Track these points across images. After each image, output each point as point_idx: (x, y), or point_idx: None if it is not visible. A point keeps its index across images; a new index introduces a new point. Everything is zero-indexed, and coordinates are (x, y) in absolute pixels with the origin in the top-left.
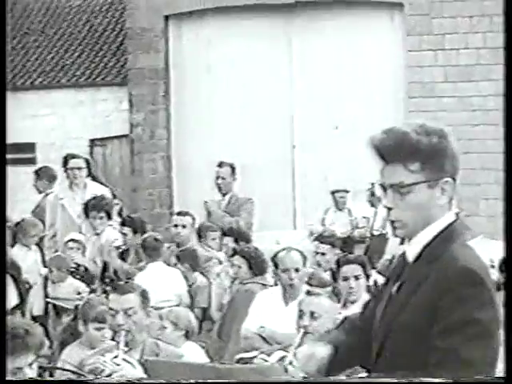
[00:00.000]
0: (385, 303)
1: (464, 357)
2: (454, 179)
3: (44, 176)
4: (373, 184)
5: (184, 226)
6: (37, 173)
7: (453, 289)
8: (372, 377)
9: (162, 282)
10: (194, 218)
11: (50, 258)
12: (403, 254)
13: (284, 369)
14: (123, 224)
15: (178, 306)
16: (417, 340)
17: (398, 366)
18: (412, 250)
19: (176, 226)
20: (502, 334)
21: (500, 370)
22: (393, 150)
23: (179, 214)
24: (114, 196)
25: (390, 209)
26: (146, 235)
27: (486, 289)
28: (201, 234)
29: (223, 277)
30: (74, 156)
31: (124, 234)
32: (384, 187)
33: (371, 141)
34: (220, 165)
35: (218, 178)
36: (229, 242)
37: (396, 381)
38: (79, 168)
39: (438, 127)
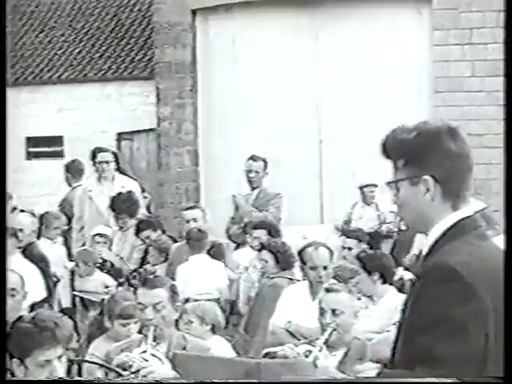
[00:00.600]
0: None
1: (437, 355)
2: (435, 178)
3: (72, 169)
4: None
5: (195, 220)
6: (66, 166)
7: (428, 285)
8: (382, 373)
9: (203, 274)
10: (203, 210)
11: (77, 252)
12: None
13: (313, 364)
14: (138, 230)
15: (218, 299)
16: (405, 338)
17: (399, 364)
18: (426, 247)
19: (188, 221)
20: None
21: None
22: (386, 149)
23: (187, 208)
24: (143, 190)
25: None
26: (191, 227)
27: (463, 285)
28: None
29: (251, 271)
30: (101, 150)
31: (146, 238)
32: None
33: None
34: (253, 158)
35: (250, 171)
36: (261, 235)
37: (395, 381)
38: (107, 162)
39: (427, 123)
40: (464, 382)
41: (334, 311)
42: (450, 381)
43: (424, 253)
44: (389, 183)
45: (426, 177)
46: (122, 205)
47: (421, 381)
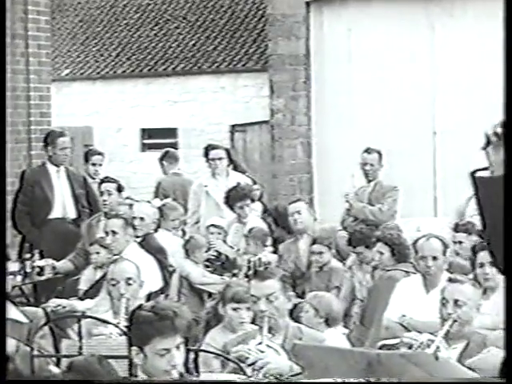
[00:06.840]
0: None
1: None
2: None
3: (167, 158)
4: None
5: (299, 213)
6: (161, 157)
7: None
8: None
9: None
10: (307, 203)
11: (185, 240)
12: None
13: (435, 357)
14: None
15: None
16: None
17: None
18: None
19: (292, 214)
20: None
21: None
22: None
23: (291, 202)
24: (254, 182)
25: None
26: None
27: None
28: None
29: (355, 269)
30: (214, 147)
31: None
32: None
33: None
34: (367, 151)
35: (365, 164)
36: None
37: (396, 381)
38: (220, 158)
39: None
40: (467, 383)
41: (456, 301)
42: (451, 381)
43: None
44: None
45: None
46: (242, 192)
47: (423, 381)
